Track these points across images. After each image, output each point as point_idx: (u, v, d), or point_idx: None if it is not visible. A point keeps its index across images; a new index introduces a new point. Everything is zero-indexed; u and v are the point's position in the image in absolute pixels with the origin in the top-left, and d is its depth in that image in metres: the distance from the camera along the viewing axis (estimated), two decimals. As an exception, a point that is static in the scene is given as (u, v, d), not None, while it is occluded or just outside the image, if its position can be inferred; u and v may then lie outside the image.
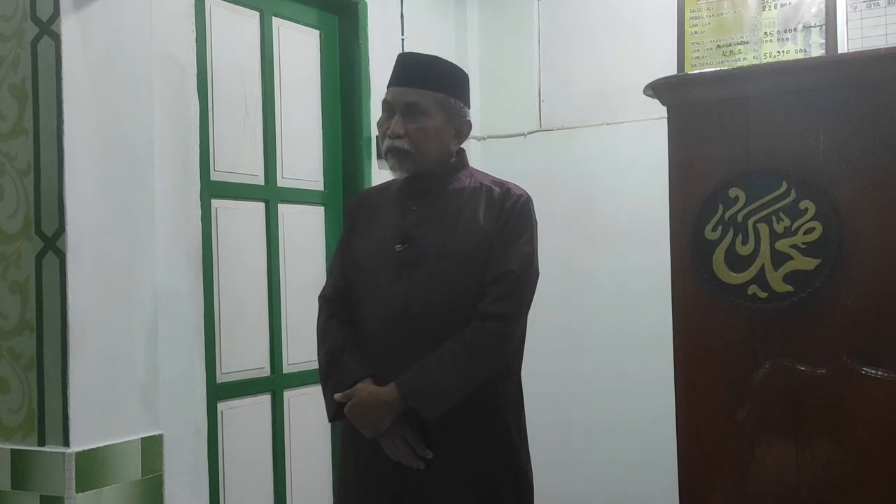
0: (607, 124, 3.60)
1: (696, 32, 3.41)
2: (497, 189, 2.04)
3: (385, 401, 1.92)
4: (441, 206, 2.03)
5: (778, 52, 3.25)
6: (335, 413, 2.02)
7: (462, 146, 2.13)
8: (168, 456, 2.35)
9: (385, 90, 2.08)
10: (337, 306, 2.09)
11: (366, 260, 2.06)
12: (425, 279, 1.97)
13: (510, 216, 2.00)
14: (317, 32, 3.21)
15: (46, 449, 2.14)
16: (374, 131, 2.84)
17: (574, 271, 3.65)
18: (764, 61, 3.23)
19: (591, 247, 3.63)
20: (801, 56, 3.19)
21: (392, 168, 2.03)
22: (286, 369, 2.98)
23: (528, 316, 2.05)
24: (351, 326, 2.06)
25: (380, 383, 1.95)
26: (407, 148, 1.99)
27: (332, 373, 2.02)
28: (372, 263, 2.04)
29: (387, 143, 2.01)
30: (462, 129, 2.06)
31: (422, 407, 1.90)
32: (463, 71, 2.12)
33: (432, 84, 2.01)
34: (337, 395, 1.97)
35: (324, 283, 2.20)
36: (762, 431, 1.68)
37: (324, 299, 2.13)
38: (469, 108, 2.09)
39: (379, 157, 3.18)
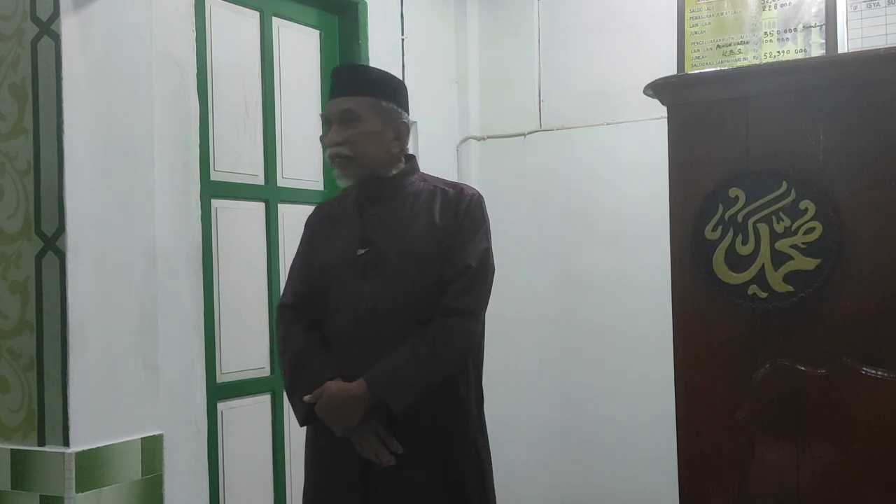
0: (607, 124, 3.60)
1: (696, 32, 3.40)
2: (451, 190, 2.10)
3: (354, 395, 1.94)
4: (397, 210, 2.08)
5: (778, 52, 3.25)
6: (306, 416, 2.03)
7: (411, 152, 2.17)
8: (168, 456, 2.35)
9: None
10: (299, 312, 2.12)
11: (331, 266, 2.09)
12: (388, 280, 2.01)
13: (465, 215, 2.05)
14: (317, 32, 3.21)
15: (46, 449, 2.14)
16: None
17: (574, 271, 3.65)
18: (764, 61, 3.22)
19: (591, 246, 3.62)
20: (801, 56, 3.19)
21: (337, 177, 2.09)
22: (286, 369, 2.98)
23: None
24: (314, 331, 2.09)
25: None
26: (347, 153, 2.03)
27: (301, 375, 2.04)
28: (337, 268, 2.07)
29: (328, 152, 2.06)
30: (400, 130, 2.10)
31: (391, 400, 1.93)
32: (398, 78, 2.17)
33: (363, 90, 2.05)
34: (306, 397, 1.99)
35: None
36: (762, 431, 1.68)
37: (284, 307, 2.15)
38: (407, 112, 2.12)
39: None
